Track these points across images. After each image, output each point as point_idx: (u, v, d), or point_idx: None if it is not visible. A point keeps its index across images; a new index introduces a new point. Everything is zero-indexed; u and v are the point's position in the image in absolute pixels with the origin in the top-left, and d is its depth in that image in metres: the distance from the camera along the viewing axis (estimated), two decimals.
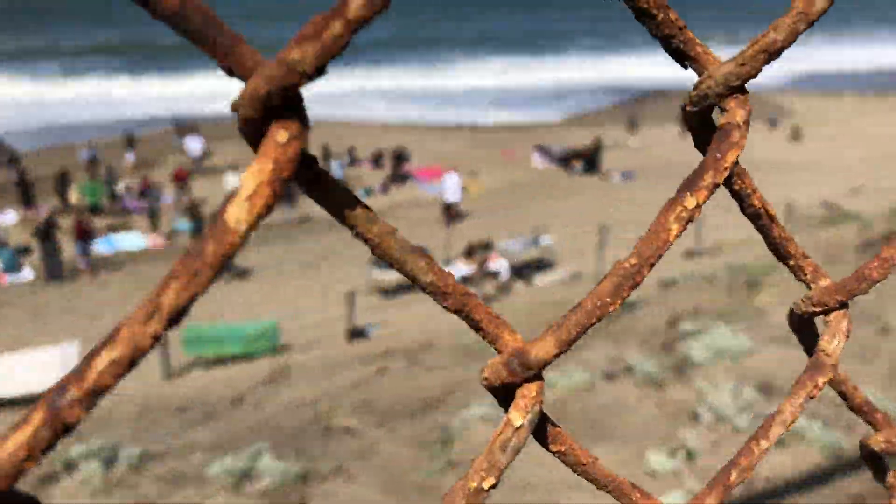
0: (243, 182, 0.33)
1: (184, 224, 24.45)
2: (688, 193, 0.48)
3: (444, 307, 0.42)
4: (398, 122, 43.41)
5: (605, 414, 4.28)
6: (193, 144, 30.18)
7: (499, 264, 19.24)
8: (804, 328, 0.61)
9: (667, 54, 0.52)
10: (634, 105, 46.62)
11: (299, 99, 0.36)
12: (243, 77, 0.34)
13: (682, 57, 0.51)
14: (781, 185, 27.68)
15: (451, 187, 23.40)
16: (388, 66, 67.48)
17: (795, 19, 0.44)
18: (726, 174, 0.49)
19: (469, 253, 18.86)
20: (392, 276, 18.49)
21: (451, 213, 23.74)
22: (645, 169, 31.15)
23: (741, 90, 0.49)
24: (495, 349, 0.44)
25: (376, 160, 31.55)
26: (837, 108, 48.34)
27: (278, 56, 0.33)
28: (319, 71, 0.34)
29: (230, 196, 0.33)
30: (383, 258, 0.42)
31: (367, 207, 0.39)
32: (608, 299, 0.42)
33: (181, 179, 26.39)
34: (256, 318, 16.64)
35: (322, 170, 0.38)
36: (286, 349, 15.11)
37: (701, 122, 0.55)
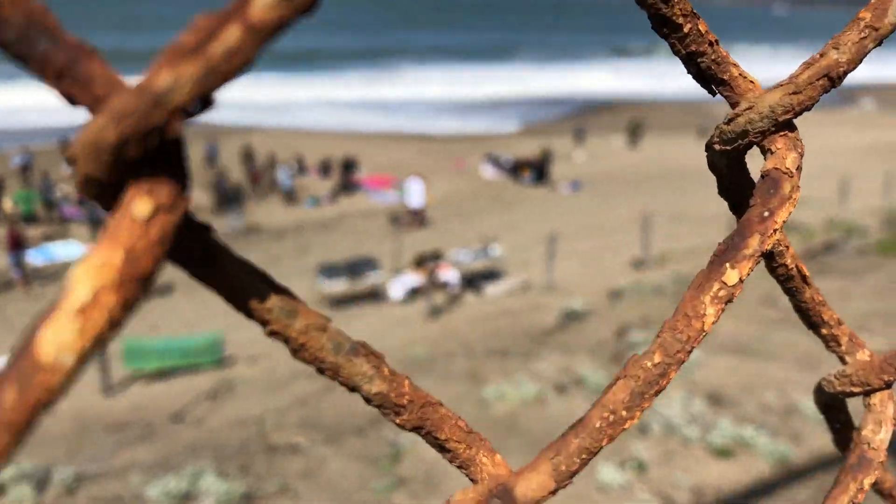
0: (71, 285, 0.20)
1: None
2: (727, 265, 0.35)
3: (399, 425, 0.30)
4: (347, 131, 43.20)
5: (556, 426, 4.23)
6: None
7: (449, 274, 19.19)
8: (835, 409, 0.51)
9: (691, 76, 0.41)
10: (581, 116, 47.25)
11: (175, 145, 0.22)
12: (92, 109, 0.22)
13: (709, 80, 0.40)
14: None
15: (415, 192, 23.83)
16: (338, 75, 67.42)
17: (862, 35, 0.35)
18: (776, 237, 0.37)
19: (419, 263, 18.77)
20: (340, 287, 18.29)
21: (416, 218, 24.16)
22: (592, 179, 31.53)
23: (790, 126, 0.38)
24: (468, 477, 0.33)
25: (324, 169, 31.26)
26: None
27: (140, 82, 0.21)
28: (204, 103, 0.21)
29: (47, 310, 0.20)
30: (312, 364, 0.29)
31: (284, 292, 0.28)
32: (623, 413, 0.31)
33: None
34: (201, 330, 16.24)
35: (216, 243, 0.26)
36: (231, 362, 14.78)
37: (732, 164, 0.43)
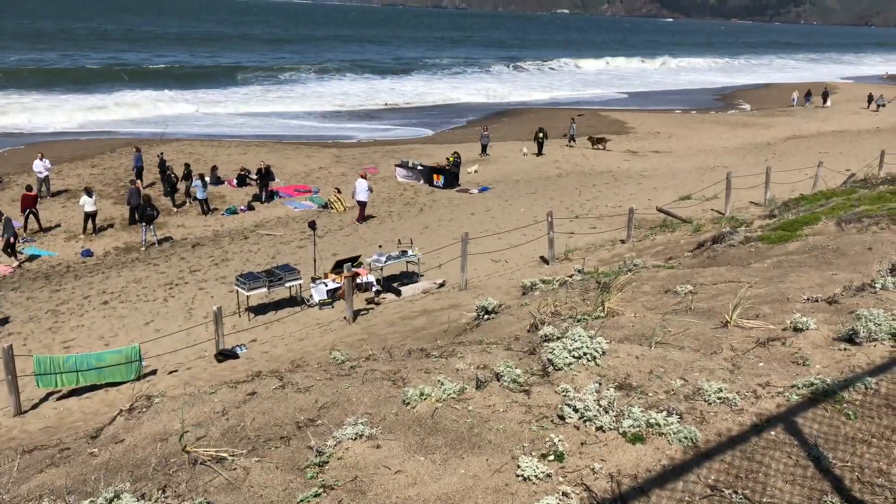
0: None
1: (33, 249, 22.95)
2: None
3: None
4: (260, 141, 42.61)
5: (477, 422, 4.33)
6: (39, 165, 28.23)
7: (368, 278, 19.21)
8: None
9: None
10: (486, 123, 47.94)
11: None
12: None
13: None
14: (624, 194, 29.29)
15: (361, 190, 26.17)
16: (253, 86, 67.56)
17: None
18: None
19: (337, 268, 18.71)
20: (259, 294, 18.06)
21: (362, 210, 26.56)
22: (501, 183, 32.18)
23: None
24: None
25: (241, 178, 30.76)
26: (667, 122, 51.91)
27: None
28: None
29: None
30: None
31: None
32: None
33: (30, 202, 24.57)
34: (119, 343, 15.79)
35: None
36: (149, 376, 14.44)
37: None
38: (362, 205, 26.47)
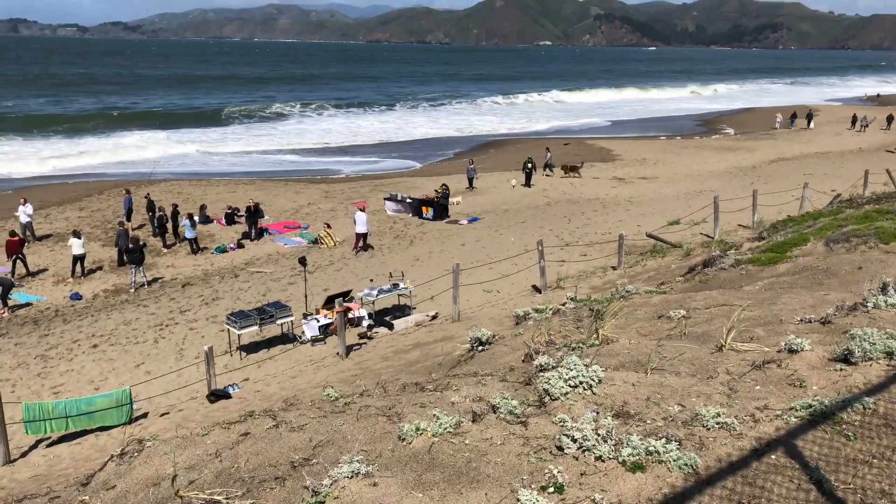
0: None
1: (22, 294, 22.77)
2: None
3: None
4: (249, 178, 42.67)
5: (475, 456, 4.28)
6: (21, 211, 28.06)
7: (360, 312, 19.14)
8: None
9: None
10: (472, 155, 48.25)
11: None
12: None
13: None
14: (613, 221, 29.40)
15: (360, 221, 26.64)
16: (239, 125, 68.19)
17: None
18: None
19: (329, 303, 18.64)
20: (251, 333, 17.95)
21: (363, 243, 26.90)
22: (488, 212, 32.27)
23: None
24: None
25: (229, 217, 30.71)
26: (653, 149, 52.40)
27: None
28: None
29: None
30: None
31: None
32: None
33: (15, 247, 24.43)
34: (109, 387, 15.61)
35: None
36: (141, 419, 14.26)
37: None
38: (364, 236, 26.79)
